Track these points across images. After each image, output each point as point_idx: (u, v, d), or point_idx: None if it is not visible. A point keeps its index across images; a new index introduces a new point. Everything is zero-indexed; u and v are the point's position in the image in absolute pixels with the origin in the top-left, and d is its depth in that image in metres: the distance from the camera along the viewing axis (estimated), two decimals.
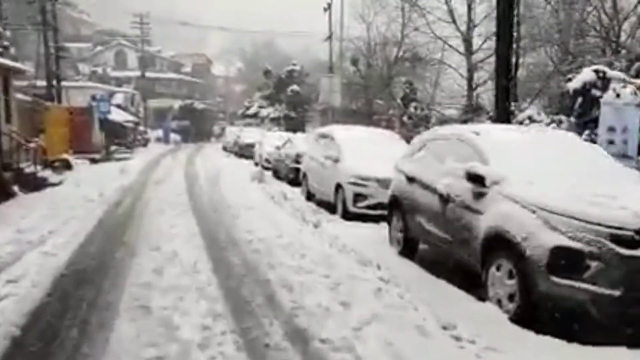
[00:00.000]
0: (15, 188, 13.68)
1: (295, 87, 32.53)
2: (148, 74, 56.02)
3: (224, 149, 36.26)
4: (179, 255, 6.60)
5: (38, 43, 23.69)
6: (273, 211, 10.53)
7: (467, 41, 21.48)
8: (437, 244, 6.00)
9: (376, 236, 7.75)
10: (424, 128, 19.55)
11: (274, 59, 73.74)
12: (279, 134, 24.97)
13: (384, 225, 8.29)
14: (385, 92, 30.80)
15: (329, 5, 28.68)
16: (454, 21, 22.45)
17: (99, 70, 60.24)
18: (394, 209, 7.01)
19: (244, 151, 28.41)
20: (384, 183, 9.26)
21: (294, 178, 15.26)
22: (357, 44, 31.53)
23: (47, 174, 17.25)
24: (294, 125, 31.60)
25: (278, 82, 33.88)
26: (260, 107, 34.13)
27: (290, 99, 32.62)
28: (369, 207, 9.38)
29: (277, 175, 17.69)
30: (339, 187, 9.99)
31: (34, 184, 14.73)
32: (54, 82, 24.20)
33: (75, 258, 6.64)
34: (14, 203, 12.33)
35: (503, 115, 9.99)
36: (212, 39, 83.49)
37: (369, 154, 9.96)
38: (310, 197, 12.23)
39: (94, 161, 24.07)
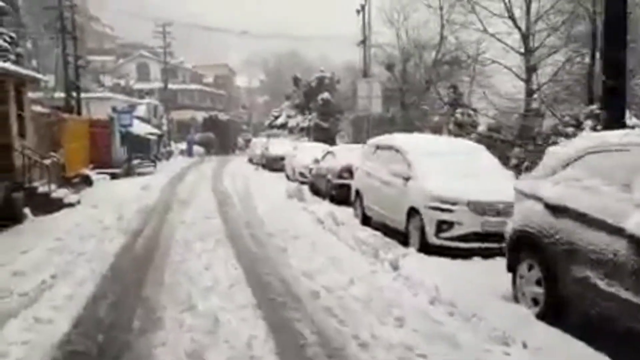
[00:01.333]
0: (27, 210, 11.97)
1: (326, 95, 30.52)
2: (170, 86, 54.84)
3: (250, 161, 34.44)
4: (221, 323, 4.60)
5: (57, 53, 22.21)
6: (328, 242, 8.52)
7: (526, 37, 19.23)
8: (622, 312, 3.89)
9: (487, 284, 5.63)
10: (477, 136, 17.42)
11: (297, 68, 72.56)
12: (314, 144, 23.08)
13: (489, 265, 6.22)
14: (424, 97, 28.74)
15: (362, 7, 26.72)
16: (510, 17, 20.14)
17: (122, 82, 59.48)
18: (525, 252, 4.92)
19: (273, 164, 26.50)
20: (477, 207, 7.20)
21: (339, 196, 13.26)
22: (386, 50, 29.62)
23: (62, 193, 15.52)
24: (324, 135, 29.67)
25: (308, 90, 31.93)
26: (289, 116, 32.18)
27: (321, 107, 30.56)
28: (457, 238, 7.29)
29: (315, 191, 15.70)
30: (413, 211, 7.91)
31: (48, 206, 12.98)
32: (74, 94, 22.68)
33: (76, 329, 4.68)
34: (21, 230, 10.59)
35: (614, 118, 7.88)
36: (234, 51, 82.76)
37: (450, 169, 7.92)
38: (366, 220, 10.18)
39: (114, 176, 22.43)
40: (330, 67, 37.19)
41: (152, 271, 6.75)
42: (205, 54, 73.85)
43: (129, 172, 24.52)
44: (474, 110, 22.93)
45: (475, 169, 8.00)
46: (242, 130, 65.90)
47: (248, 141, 60.95)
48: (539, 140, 15.03)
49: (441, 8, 26.56)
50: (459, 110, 20.86)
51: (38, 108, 18.42)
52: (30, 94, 16.50)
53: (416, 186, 8.02)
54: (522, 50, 19.61)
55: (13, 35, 18.61)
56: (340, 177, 13.38)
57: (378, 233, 8.84)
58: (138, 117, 30.38)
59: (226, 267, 6.75)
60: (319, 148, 21.45)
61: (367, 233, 8.92)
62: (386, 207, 8.99)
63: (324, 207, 12.68)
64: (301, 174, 19.45)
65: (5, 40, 18.13)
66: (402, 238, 8.31)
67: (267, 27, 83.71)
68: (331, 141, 30.37)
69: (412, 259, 7.13)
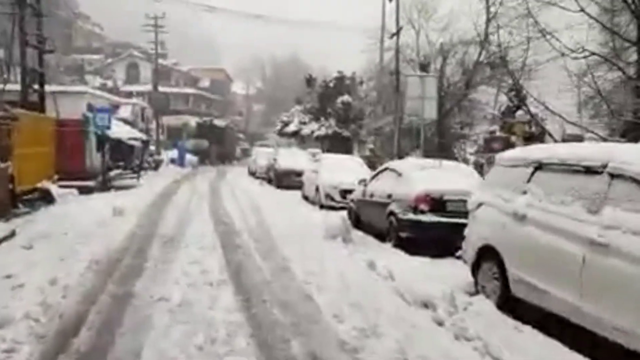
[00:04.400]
0: None
1: (346, 97, 25.60)
2: (163, 88, 49.99)
3: (252, 174, 29.62)
4: None
5: (8, 30, 17.23)
6: None
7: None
8: None
9: None
10: None
11: (298, 77, 67.83)
12: (343, 157, 18.41)
13: None
14: (461, 104, 24.13)
15: None
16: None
17: (109, 83, 54.53)
18: None
19: (283, 179, 21.67)
20: None
21: (413, 240, 8.52)
22: (408, 50, 25.08)
23: None
24: (343, 146, 24.98)
25: (324, 92, 27.03)
26: (302, 122, 27.33)
27: (341, 112, 25.61)
28: None
29: (358, 224, 10.90)
30: None
31: None
32: (36, 86, 17.83)
33: None
34: None
35: None
36: (230, 55, 78.09)
37: None
38: (507, 296, 5.39)
39: (87, 191, 17.55)
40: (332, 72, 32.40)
41: None
42: (201, 58, 69.26)
43: (105, 186, 19.57)
44: (533, 119, 18.21)
45: None
46: (239, 139, 61.09)
47: (245, 150, 56.37)
48: None
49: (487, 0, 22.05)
50: (517, 119, 16.21)
51: None
52: None
53: None
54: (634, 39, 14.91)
55: None
56: (416, 210, 8.58)
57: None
58: (121, 119, 25.47)
59: None
60: (352, 162, 16.74)
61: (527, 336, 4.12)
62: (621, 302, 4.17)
63: (398, 259, 7.89)
64: (329, 197, 14.66)
65: None
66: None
67: (267, 30, 79.52)
68: (348, 153, 25.67)
69: None
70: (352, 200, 11.76)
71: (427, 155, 16.98)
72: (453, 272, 6.96)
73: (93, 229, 10.18)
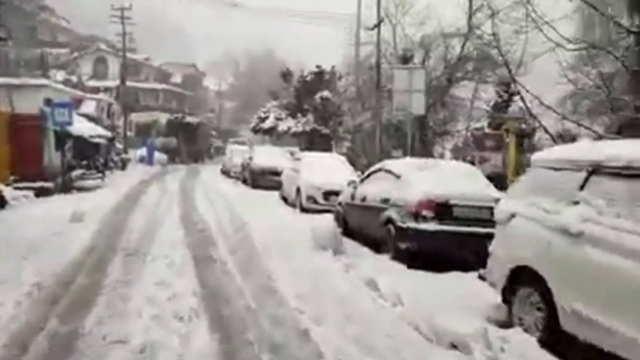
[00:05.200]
0: None
1: (326, 93, 24.33)
2: (132, 84, 48.01)
3: (226, 173, 28.21)
4: None
5: None
6: None
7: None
8: None
9: None
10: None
11: (273, 71, 66.14)
12: (324, 155, 17.32)
13: None
14: (443, 99, 23.22)
15: None
16: None
17: (74, 78, 52.14)
18: None
19: (259, 179, 20.39)
20: None
21: (415, 252, 7.44)
22: (382, 47, 24.03)
23: None
24: (322, 143, 23.79)
25: (302, 88, 25.69)
26: (278, 118, 25.93)
27: (320, 109, 24.32)
28: None
29: (349, 232, 9.76)
30: None
31: None
32: None
33: None
34: None
35: None
36: (202, 53, 76.05)
37: None
38: (554, 331, 4.32)
39: (43, 193, 16.04)
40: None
41: None
42: (172, 52, 67.17)
43: (66, 187, 17.99)
44: (530, 115, 17.38)
45: None
46: (211, 136, 59.38)
47: (218, 148, 54.68)
48: None
49: None
50: (509, 115, 15.30)
51: None
52: None
53: None
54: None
55: None
56: (417, 217, 7.47)
57: None
58: (84, 115, 23.82)
59: None
60: (335, 160, 15.62)
61: None
62: None
63: (400, 276, 6.78)
64: (312, 199, 13.50)
65: None
66: None
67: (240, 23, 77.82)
68: (327, 151, 24.52)
69: None
70: (339, 204, 10.61)
71: (412, 154, 16.05)
72: (470, 292, 5.88)
73: (45, 238, 8.83)
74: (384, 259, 7.96)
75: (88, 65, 56.37)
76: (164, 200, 15.59)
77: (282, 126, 25.65)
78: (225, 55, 76.65)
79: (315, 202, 13.61)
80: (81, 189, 18.43)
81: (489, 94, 21.50)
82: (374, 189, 8.91)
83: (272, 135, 27.59)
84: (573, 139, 15.15)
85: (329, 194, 13.39)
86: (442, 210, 7.43)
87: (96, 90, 46.13)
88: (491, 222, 5.66)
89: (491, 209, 5.95)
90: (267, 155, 21.51)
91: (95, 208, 12.82)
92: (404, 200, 7.79)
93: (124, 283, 6.31)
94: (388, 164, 9.27)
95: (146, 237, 9.42)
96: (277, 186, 18.37)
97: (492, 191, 8.05)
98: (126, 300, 5.57)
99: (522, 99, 16.81)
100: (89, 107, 25.91)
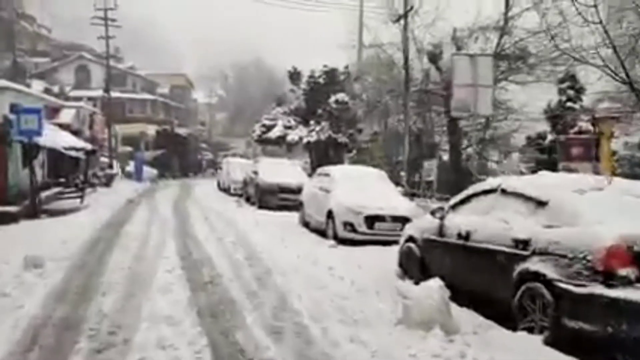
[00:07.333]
0: None
1: (341, 95, 20.89)
2: (118, 94, 44.54)
3: (225, 190, 24.89)
4: None
5: None
6: None
7: None
8: None
9: None
10: None
11: (263, 82, 63.11)
12: (357, 168, 14.25)
13: None
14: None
15: None
16: None
17: (55, 88, 48.65)
18: None
19: (270, 198, 17.10)
20: None
21: (590, 337, 4.22)
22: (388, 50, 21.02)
23: None
24: (336, 155, 20.53)
25: (312, 90, 22.23)
26: (287, 127, 22.50)
27: (336, 114, 20.78)
28: None
29: (425, 277, 6.50)
30: None
31: None
32: None
33: None
34: None
35: None
36: (190, 64, 72.95)
37: None
38: None
39: (6, 220, 12.78)
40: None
41: None
42: (159, 62, 63.80)
43: (35, 211, 14.59)
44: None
45: None
46: (202, 149, 56.11)
47: (211, 162, 51.42)
48: None
49: None
50: (603, 114, 12.21)
51: None
52: None
53: None
54: None
55: None
56: (607, 276, 4.26)
57: None
58: (60, 124, 20.44)
59: None
60: (375, 177, 12.43)
61: None
62: None
63: None
64: (350, 227, 10.32)
65: None
66: None
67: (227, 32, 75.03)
68: (341, 162, 21.33)
69: None
70: (410, 239, 7.36)
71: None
72: None
73: None
74: (529, 342, 4.71)
75: (70, 73, 52.84)
76: (154, 229, 12.20)
77: (292, 135, 22.26)
78: (213, 66, 73.87)
79: (354, 230, 10.43)
80: (54, 213, 15.08)
81: (532, 94, 18.39)
82: (490, 222, 5.67)
83: (281, 145, 24.23)
84: None
85: (373, 220, 10.32)
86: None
87: (78, 100, 42.65)
88: None
89: None
90: (275, 169, 18.25)
91: (63, 244, 9.60)
92: (570, 247, 4.57)
93: None
94: (511, 181, 5.95)
95: (130, 300, 6.13)
96: (289, 206, 15.38)
97: None
98: None
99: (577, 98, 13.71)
100: (66, 116, 22.50)
